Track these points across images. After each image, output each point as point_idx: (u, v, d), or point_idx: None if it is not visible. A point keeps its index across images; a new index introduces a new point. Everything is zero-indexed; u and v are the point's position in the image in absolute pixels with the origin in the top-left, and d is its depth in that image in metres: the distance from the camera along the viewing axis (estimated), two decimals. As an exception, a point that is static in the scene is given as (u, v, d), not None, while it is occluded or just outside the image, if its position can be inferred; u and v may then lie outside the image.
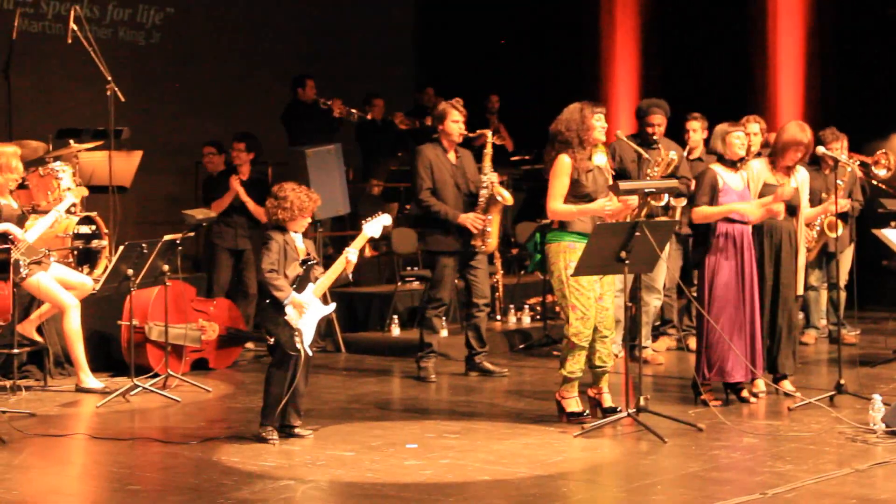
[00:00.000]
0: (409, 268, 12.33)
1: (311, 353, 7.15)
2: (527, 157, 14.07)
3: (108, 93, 10.18)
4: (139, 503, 6.02)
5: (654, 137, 9.76)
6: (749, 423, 7.66)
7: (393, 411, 8.46)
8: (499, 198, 9.37)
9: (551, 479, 6.33)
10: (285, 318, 7.05)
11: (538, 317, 11.63)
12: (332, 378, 9.58)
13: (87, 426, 7.74)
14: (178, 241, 8.84)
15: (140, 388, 8.51)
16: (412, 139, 14.29)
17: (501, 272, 11.78)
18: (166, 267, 8.81)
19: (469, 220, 9.29)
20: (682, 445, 7.00)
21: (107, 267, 9.12)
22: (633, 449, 7.06)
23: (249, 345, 10.47)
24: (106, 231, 9.91)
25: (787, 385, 8.39)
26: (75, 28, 10.29)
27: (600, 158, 7.77)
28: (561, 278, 7.53)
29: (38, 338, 9.09)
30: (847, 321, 11.02)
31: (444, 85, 14.52)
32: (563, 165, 7.55)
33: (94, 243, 9.75)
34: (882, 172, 10.65)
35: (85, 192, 9.66)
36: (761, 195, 8.22)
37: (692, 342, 10.06)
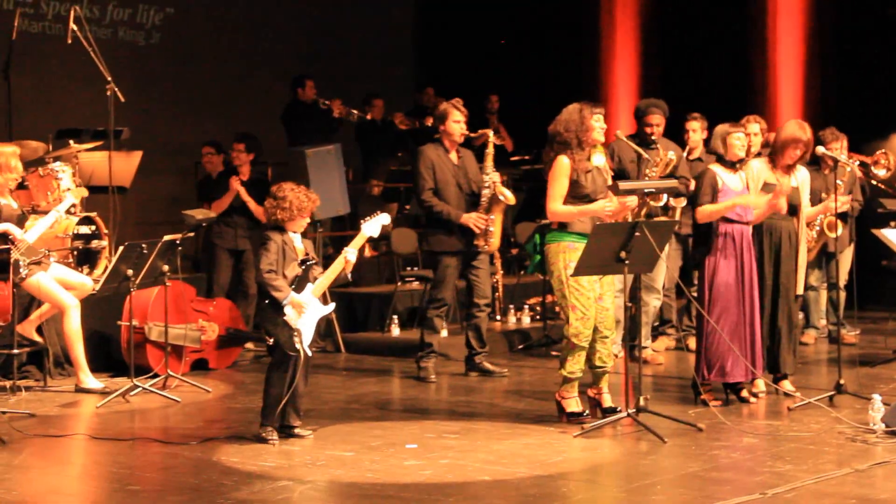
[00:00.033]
0: (408, 268, 12.33)
1: (310, 354, 7.15)
2: (526, 158, 14.08)
3: (108, 93, 10.18)
4: (139, 503, 6.03)
5: (653, 137, 9.77)
6: (749, 423, 7.66)
7: (393, 411, 8.47)
8: (501, 197, 9.37)
9: (551, 479, 6.34)
10: (284, 318, 7.06)
11: (538, 317, 11.64)
12: (331, 378, 9.58)
13: (86, 426, 7.75)
14: (177, 242, 8.84)
15: (140, 389, 8.52)
16: (412, 139, 14.30)
17: (501, 272, 11.78)
18: (166, 267, 8.81)
19: (472, 219, 9.29)
20: (681, 445, 7.01)
21: (107, 267, 9.13)
22: (633, 449, 7.07)
23: (249, 345, 10.48)
24: (106, 231, 9.91)
25: (786, 385, 8.40)
26: (75, 28, 10.30)
27: (599, 159, 7.77)
28: (561, 278, 7.53)
29: (37, 338, 9.09)
30: (847, 321, 11.03)
31: (444, 85, 14.53)
32: (562, 167, 7.56)
33: (94, 244, 9.76)
34: (881, 172, 10.65)
35: (84, 192, 9.66)
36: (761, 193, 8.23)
37: (692, 342, 10.06)
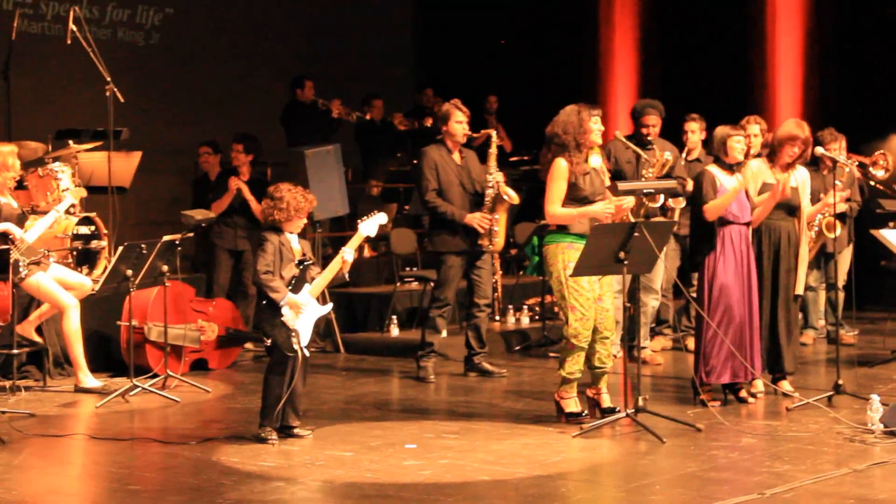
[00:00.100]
0: (408, 268, 12.34)
1: (307, 354, 7.16)
2: (525, 158, 14.09)
3: (108, 93, 10.19)
4: (139, 503, 6.03)
5: (649, 138, 9.78)
6: (747, 424, 7.68)
7: (392, 411, 8.47)
8: (505, 197, 9.38)
9: (550, 479, 6.35)
10: (282, 318, 7.07)
11: (537, 317, 11.65)
12: (331, 378, 9.59)
13: (86, 426, 7.76)
14: (177, 242, 8.85)
15: (139, 389, 8.53)
16: (411, 140, 14.34)
17: (500, 272, 11.79)
18: (165, 267, 8.82)
19: (476, 219, 9.30)
20: (680, 445, 7.02)
21: (106, 267, 9.13)
22: (632, 449, 7.08)
23: (249, 345, 10.48)
24: (105, 232, 9.92)
25: (785, 385, 8.41)
26: (74, 29, 10.31)
27: (596, 160, 7.79)
28: (560, 279, 7.54)
29: (37, 338, 9.10)
30: (845, 321, 11.05)
31: (444, 85, 14.54)
32: (560, 169, 7.56)
33: (94, 244, 9.76)
34: (880, 173, 10.66)
35: (84, 192, 9.67)
36: (760, 193, 8.24)
37: (690, 342, 10.07)
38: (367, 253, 13.17)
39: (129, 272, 8.55)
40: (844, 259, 10.70)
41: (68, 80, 12.34)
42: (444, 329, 9.75)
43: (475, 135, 9.73)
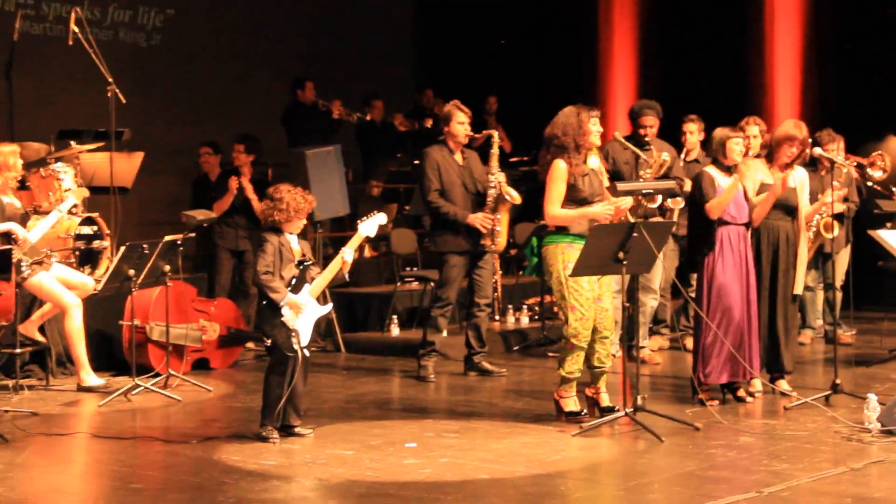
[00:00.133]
0: (408, 268, 12.37)
1: (307, 354, 7.19)
2: (525, 159, 14.12)
3: (109, 94, 10.20)
4: (141, 501, 6.05)
5: (647, 139, 9.81)
6: (745, 423, 7.70)
7: (392, 411, 8.49)
8: (507, 197, 9.41)
9: (549, 477, 6.37)
10: (282, 319, 7.10)
11: (536, 317, 11.67)
12: (331, 378, 9.61)
13: (88, 425, 7.78)
14: (178, 242, 8.89)
15: (141, 388, 8.56)
16: (411, 140, 14.37)
17: (500, 272, 11.82)
18: (167, 267, 8.85)
19: (478, 219, 9.33)
20: (679, 444, 7.04)
21: (108, 267, 9.16)
22: (631, 448, 7.10)
23: (250, 344, 10.51)
24: (107, 232, 9.94)
25: (783, 385, 8.44)
26: (76, 30, 10.32)
27: (594, 161, 7.82)
28: (560, 279, 7.56)
29: (40, 338, 9.13)
30: (843, 321, 11.07)
31: (444, 85, 14.57)
32: (559, 171, 7.58)
33: (96, 244, 9.79)
34: (878, 174, 10.68)
35: (86, 192, 9.71)
36: (759, 194, 8.28)
37: (689, 342, 10.10)
38: (367, 253, 13.20)
39: (132, 272, 8.59)
40: (842, 259, 10.75)
41: (70, 80, 12.36)
42: (445, 329, 9.78)
43: (477, 135, 9.77)
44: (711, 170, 8.20)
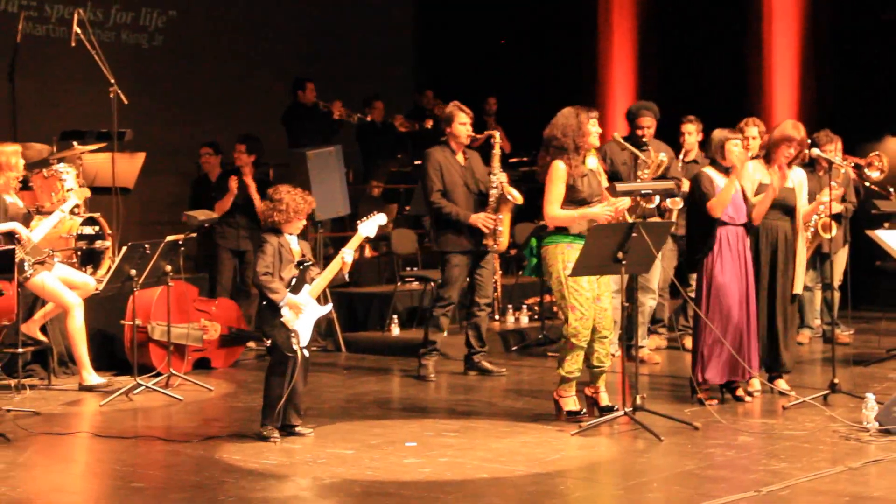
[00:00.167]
0: (408, 268, 12.40)
1: (307, 355, 7.21)
2: (525, 159, 14.14)
3: (111, 95, 10.24)
4: (142, 501, 6.06)
5: (644, 140, 9.84)
6: (744, 422, 7.72)
7: (392, 410, 8.51)
8: (509, 197, 9.44)
9: (549, 476, 6.38)
10: (281, 319, 7.12)
11: (536, 317, 11.69)
12: (332, 377, 9.63)
13: (90, 424, 7.79)
14: (180, 242, 8.91)
15: (143, 387, 8.58)
16: (412, 141, 14.40)
17: (500, 272, 11.84)
18: (169, 267, 8.87)
19: (480, 220, 9.36)
20: (677, 444, 7.06)
21: (110, 267, 9.19)
22: (630, 447, 7.12)
23: (251, 344, 10.53)
24: (109, 232, 9.98)
25: (781, 384, 8.47)
26: (79, 31, 10.35)
27: (592, 162, 7.84)
28: (560, 279, 7.58)
29: (42, 337, 9.15)
30: (841, 321, 11.10)
31: (444, 86, 14.59)
32: (558, 172, 7.61)
33: (98, 244, 9.83)
34: (875, 174, 10.70)
35: (87, 192, 9.75)
36: (757, 194, 8.31)
37: (688, 342, 10.12)
38: (368, 253, 13.23)
39: (133, 272, 8.60)
40: (840, 259, 10.78)
41: (72, 81, 12.39)
42: (447, 328, 9.80)
43: (478, 136, 9.81)
44: (710, 170, 8.23)
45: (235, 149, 11.10)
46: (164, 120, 13.29)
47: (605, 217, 7.63)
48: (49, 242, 9.02)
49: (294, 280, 7.15)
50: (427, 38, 16.61)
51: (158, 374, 8.92)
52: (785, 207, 8.38)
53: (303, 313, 7.15)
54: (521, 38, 16.01)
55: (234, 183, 10.91)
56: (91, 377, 8.86)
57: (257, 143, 11.13)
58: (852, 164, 10.62)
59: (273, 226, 7.19)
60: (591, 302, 7.57)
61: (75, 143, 10.29)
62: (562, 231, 7.63)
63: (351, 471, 6.49)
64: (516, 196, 9.47)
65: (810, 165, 9.79)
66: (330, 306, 7.54)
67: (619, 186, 7.99)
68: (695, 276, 8.51)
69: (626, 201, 8.02)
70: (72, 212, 9.34)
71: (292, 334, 7.09)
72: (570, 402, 7.72)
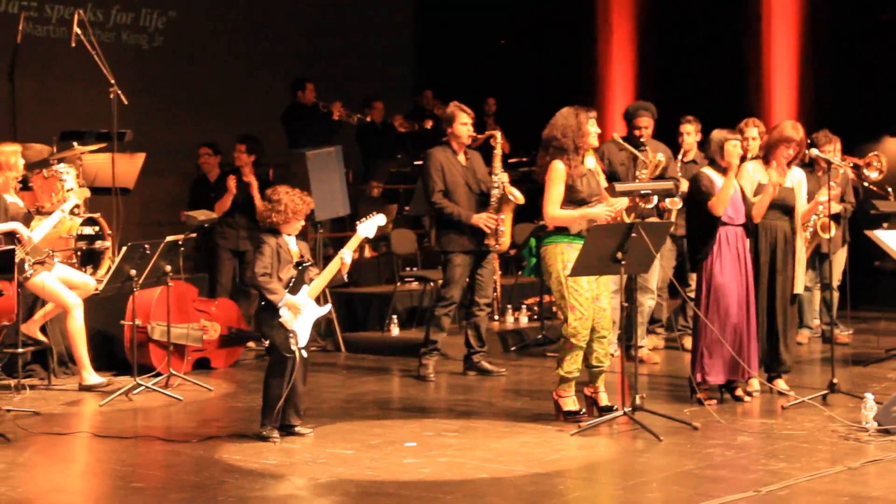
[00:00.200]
0: (408, 268, 12.41)
1: (305, 355, 7.21)
2: (524, 160, 14.15)
3: (112, 95, 10.25)
4: (142, 501, 6.07)
5: (642, 140, 9.85)
6: (743, 422, 7.73)
7: (392, 410, 8.51)
8: (511, 197, 9.45)
9: (548, 476, 6.39)
10: (280, 320, 7.13)
11: (535, 317, 11.70)
12: (331, 377, 9.64)
13: (90, 424, 7.80)
14: (180, 242, 8.92)
15: (143, 387, 8.59)
16: (411, 142, 14.41)
17: (499, 272, 11.85)
18: (168, 267, 8.89)
19: (482, 220, 9.37)
20: (677, 443, 7.07)
21: (110, 267, 9.20)
22: (629, 447, 7.13)
23: (251, 344, 10.53)
24: (109, 232, 10.00)
25: (780, 384, 8.48)
26: (79, 32, 10.36)
27: (590, 161, 7.85)
28: (559, 279, 7.59)
29: (42, 337, 9.16)
30: (840, 321, 11.11)
31: (443, 86, 14.60)
32: (558, 172, 7.62)
33: (98, 244, 9.84)
34: (874, 174, 10.71)
35: (87, 193, 9.76)
36: (756, 195, 8.32)
37: (687, 342, 10.14)
38: (367, 253, 13.24)
39: (133, 272, 8.62)
40: (839, 259, 10.78)
41: (72, 82, 12.39)
42: (448, 328, 9.81)
43: (480, 136, 9.82)
44: (708, 170, 8.24)
45: (235, 148, 11.12)
46: (164, 120, 13.29)
47: (605, 217, 7.64)
48: (49, 243, 9.03)
49: (293, 280, 7.16)
50: (427, 38, 16.62)
51: (158, 375, 8.93)
52: (784, 207, 8.40)
53: (301, 314, 7.16)
54: (520, 39, 16.01)
55: (232, 182, 10.92)
56: (91, 377, 8.87)
57: (257, 143, 11.14)
58: (851, 165, 10.63)
59: (271, 226, 7.20)
60: (591, 302, 7.58)
61: (75, 144, 10.30)
62: (561, 231, 7.64)
63: (350, 471, 6.50)
64: (518, 196, 9.48)
65: (809, 165, 9.80)
66: (328, 307, 7.55)
67: (619, 187, 8.00)
68: (694, 276, 8.51)
69: (624, 201, 8.03)
70: (72, 212, 9.35)
71: (291, 335, 7.10)
72: (570, 402, 7.73)
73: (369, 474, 6.42)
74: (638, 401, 7.45)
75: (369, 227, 7.42)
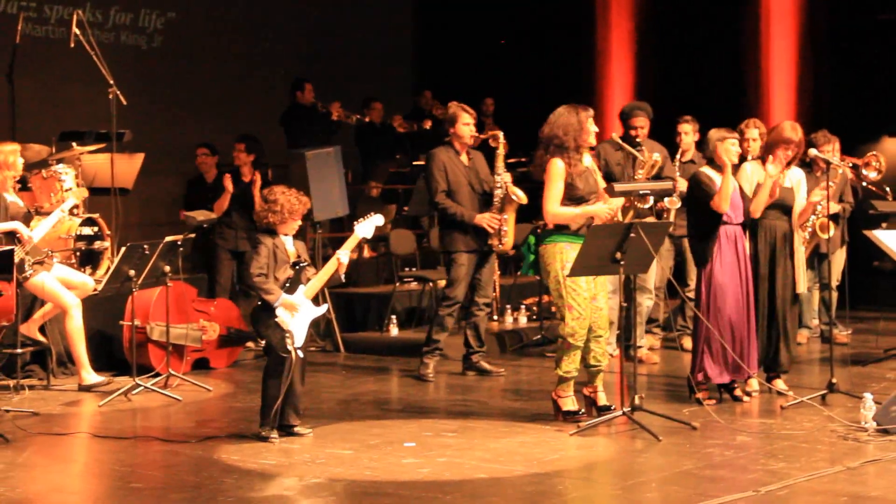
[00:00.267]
0: (407, 268, 12.41)
1: (301, 355, 7.21)
2: (523, 160, 14.15)
3: (111, 96, 10.25)
4: (141, 501, 6.08)
5: (638, 140, 9.85)
6: (742, 422, 7.73)
7: (391, 410, 8.50)
8: (514, 197, 9.45)
9: (547, 476, 6.39)
10: (276, 320, 7.13)
11: (534, 317, 11.70)
12: (330, 377, 9.64)
13: (89, 425, 7.80)
14: (179, 243, 8.93)
15: (142, 388, 8.59)
16: (410, 142, 14.41)
17: (498, 273, 11.85)
18: (168, 268, 8.89)
19: (485, 220, 9.38)
20: (676, 443, 7.07)
21: (109, 268, 9.20)
22: (628, 447, 7.13)
23: (250, 344, 10.53)
24: (108, 232, 9.99)
25: (779, 384, 8.48)
26: (78, 32, 10.36)
27: (587, 159, 7.87)
28: (558, 279, 7.60)
29: (41, 338, 9.17)
30: (839, 321, 11.10)
31: (443, 86, 14.60)
32: (557, 169, 7.63)
33: (97, 244, 9.84)
34: (872, 174, 10.71)
35: (85, 193, 9.76)
36: (755, 195, 8.33)
37: (686, 342, 10.15)
38: (366, 253, 13.24)
39: (132, 272, 8.62)
40: (838, 259, 10.78)
41: (71, 82, 12.38)
42: (451, 328, 9.81)
43: (482, 135, 9.83)
44: (707, 170, 8.25)
45: (234, 148, 11.12)
46: (163, 120, 13.30)
47: (605, 215, 7.64)
48: (48, 243, 9.03)
49: (289, 280, 7.16)
50: (426, 39, 16.62)
51: (157, 375, 8.93)
52: (783, 207, 8.40)
53: (298, 313, 7.17)
54: (520, 39, 16.02)
55: (228, 181, 10.93)
56: (90, 377, 8.87)
57: (256, 142, 11.15)
58: (850, 165, 10.63)
59: (268, 227, 7.20)
60: (588, 302, 7.59)
61: (74, 144, 10.30)
62: (561, 230, 7.64)
63: (349, 471, 6.50)
64: (521, 196, 9.49)
65: (808, 166, 9.80)
66: (325, 307, 7.55)
67: (618, 187, 8.00)
68: (693, 276, 8.51)
69: (620, 200, 8.04)
70: (71, 212, 9.35)
71: (287, 335, 7.10)
72: (569, 402, 7.73)
73: (368, 474, 6.42)
74: (637, 401, 7.45)
75: (367, 227, 7.42)
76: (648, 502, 6.01)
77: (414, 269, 12.31)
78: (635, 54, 15.40)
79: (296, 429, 7.24)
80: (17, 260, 8.05)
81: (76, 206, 9.51)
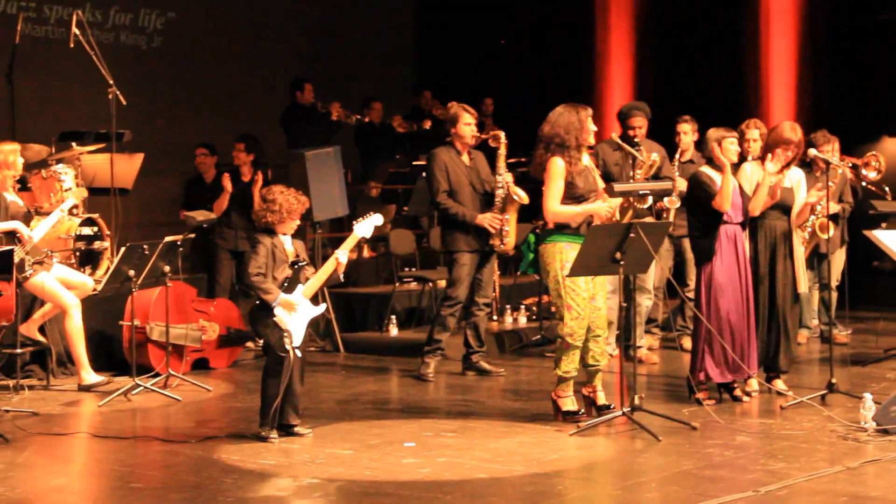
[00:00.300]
0: (406, 268, 12.41)
1: (300, 355, 7.21)
2: (523, 160, 14.15)
3: (110, 96, 10.25)
4: (140, 501, 6.08)
5: (636, 140, 9.85)
6: (742, 422, 7.73)
7: (391, 410, 8.51)
8: (515, 197, 9.45)
9: (547, 476, 6.40)
10: (274, 319, 7.13)
11: (534, 317, 11.70)
12: (330, 377, 9.64)
13: (89, 425, 7.80)
14: (178, 243, 8.93)
15: (141, 388, 8.59)
16: (410, 142, 14.41)
17: (498, 273, 11.85)
18: (167, 268, 8.89)
19: (486, 220, 9.38)
20: (675, 444, 7.07)
21: (108, 268, 9.20)
22: (628, 447, 7.13)
23: (249, 344, 10.54)
24: (108, 232, 9.99)
25: (779, 384, 8.48)
26: (77, 32, 10.36)
27: (585, 158, 7.87)
28: (557, 279, 7.60)
29: (40, 338, 9.17)
30: (838, 321, 11.10)
31: (443, 86, 14.60)
32: (557, 168, 7.63)
33: (96, 245, 9.84)
34: (872, 174, 10.72)
35: (85, 193, 9.76)
36: (754, 193, 8.32)
37: (686, 342, 10.15)
38: (366, 253, 13.24)
39: (132, 272, 8.62)
40: (838, 259, 10.79)
41: (71, 82, 12.38)
42: (452, 328, 9.81)
43: (483, 136, 9.84)
44: (707, 169, 8.25)
45: (234, 148, 11.12)
46: (163, 120, 13.30)
47: (605, 213, 7.65)
48: (47, 243, 9.03)
49: (287, 280, 7.16)
50: (426, 39, 16.63)
51: (157, 375, 8.93)
52: (783, 207, 8.40)
53: (296, 313, 7.17)
54: (520, 39, 16.02)
55: (227, 181, 10.93)
56: (90, 377, 8.88)
57: (256, 142, 11.15)
58: (849, 165, 10.64)
59: (267, 226, 7.21)
60: (587, 301, 7.59)
61: (74, 144, 10.30)
62: (561, 229, 7.64)
63: (349, 471, 6.50)
64: (522, 196, 9.49)
65: (808, 166, 9.80)
66: (323, 307, 7.55)
67: (618, 187, 8.01)
68: (693, 276, 8.51)
69: (618, 199, 8.04)
70: (70, 212, 9.35)
71: (285, 334, 7.10)
72: (568, 402, 7.73)
73: (368, 474, 6.43)
74: (636, 401, 7.45)
75: (366, 227, 7.43)
76: (648, 502, 6.02)
77: (414, 270, 12.31)
78: (635, 54, 15.41)
79: (295, 429, 7.25)
80: (16, 260, 8.05)
81: (76, 206, 9.51)
